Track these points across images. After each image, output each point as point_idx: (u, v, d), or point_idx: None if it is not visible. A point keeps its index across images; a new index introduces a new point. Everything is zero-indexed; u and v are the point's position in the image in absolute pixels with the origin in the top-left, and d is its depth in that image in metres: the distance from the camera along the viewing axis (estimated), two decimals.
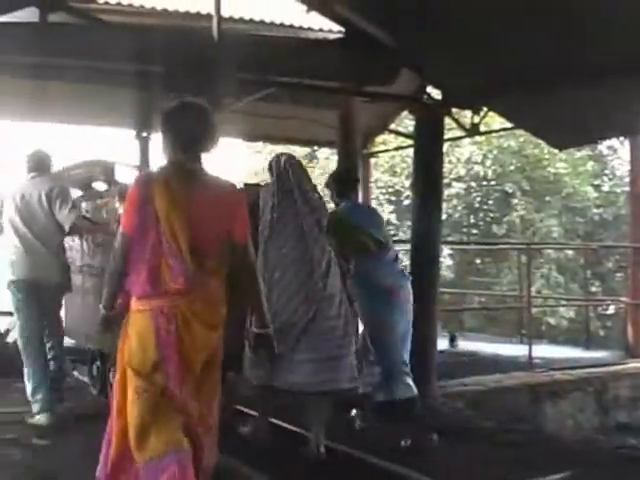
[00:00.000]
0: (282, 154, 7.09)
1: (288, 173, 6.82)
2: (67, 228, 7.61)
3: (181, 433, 4.43)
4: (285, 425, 7.43)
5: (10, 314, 8.50)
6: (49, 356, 7.74)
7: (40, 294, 7.58)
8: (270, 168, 6.99)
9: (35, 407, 7.40)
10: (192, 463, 4.40)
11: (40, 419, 7.35)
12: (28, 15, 7.33)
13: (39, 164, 7.88)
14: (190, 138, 4.60)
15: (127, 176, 10.00)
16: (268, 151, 26.45)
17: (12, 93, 11.18)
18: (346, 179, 7.92)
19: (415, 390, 7.37)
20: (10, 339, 9.76)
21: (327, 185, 7.93)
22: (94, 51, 7.74)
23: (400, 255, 8.12)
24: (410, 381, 7.36)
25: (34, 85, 10.55)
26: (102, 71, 8.51)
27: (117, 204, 8.21)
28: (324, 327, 6.51)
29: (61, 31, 7.47)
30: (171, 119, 4.66)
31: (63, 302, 8.12)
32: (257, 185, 7.55)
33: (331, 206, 7.78)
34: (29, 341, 7.54)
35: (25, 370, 7.51)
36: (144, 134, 12.59)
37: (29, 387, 7.44)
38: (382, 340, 7.32)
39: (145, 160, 12.07)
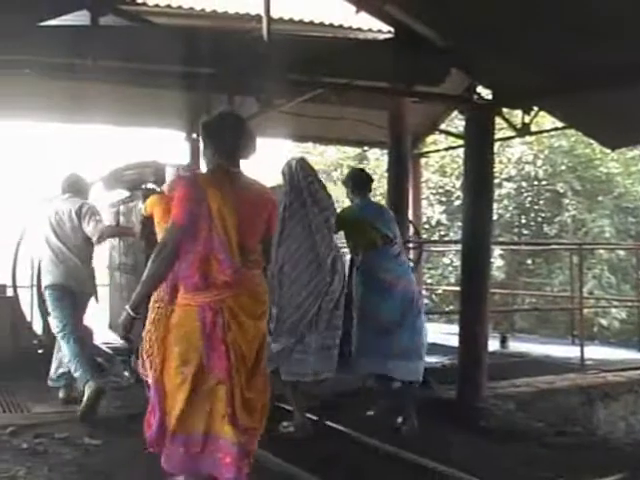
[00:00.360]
0: (294, 158, 7.77)
1: (299, 175, 7.51)
2: (95, 240, 8.40)
3: (224, 422, 4.78)
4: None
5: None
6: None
7: (71, 298, 8.35)
8: (283, 171, 7.66)
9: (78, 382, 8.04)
10: (233, 451, 4.76)
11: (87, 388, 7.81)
12: (79, 18, 7.38)
13: (72, 186, 8.75)
14: (231, 146, 5.06)
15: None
16: (318, 152, 26.47)
17: (63, 96, 11.30)
18: (360, 178, 8.47)
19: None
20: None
21: (344, 183, 8.68)
22: (145, 53, 7.78)
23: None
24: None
25: (85, 88, 10.66)
26: (153, 73, 8.56)
27: (140, 205, 8.76)
28: (326, 320, 7.27)
29: (112, 34, 7.51)
30: (213, 129, 5.16)
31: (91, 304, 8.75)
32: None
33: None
34: (69, 335, 8.15)
35: (69, 363, 8.10)
36: (194, 135, 12.65)
37: (73, 368, 8.04)
38: (361, 322, 7.90)
39: (195, 161, 12.11)
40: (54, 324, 8.39)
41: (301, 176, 7.51)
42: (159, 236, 7.51)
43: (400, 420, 7.78)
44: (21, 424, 7.41)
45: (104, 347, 10.69)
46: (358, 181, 8.44)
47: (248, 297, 4.91)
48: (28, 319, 10.54)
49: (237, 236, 4.84)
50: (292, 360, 7.18)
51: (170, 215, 5.00)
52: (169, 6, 9.16)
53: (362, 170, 9.20)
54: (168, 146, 15.73)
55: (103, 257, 11.16)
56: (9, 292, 10.36)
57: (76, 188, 8.77)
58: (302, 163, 7.68)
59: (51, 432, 7.10)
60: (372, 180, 8.67)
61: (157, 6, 9.04)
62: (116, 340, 10.10)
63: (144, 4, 8.85)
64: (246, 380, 4.85)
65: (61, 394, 8.37)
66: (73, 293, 8.36)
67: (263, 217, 5.13)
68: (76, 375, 7.99)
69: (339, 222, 7.78)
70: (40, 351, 9.99)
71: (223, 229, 4.81)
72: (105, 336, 10.80)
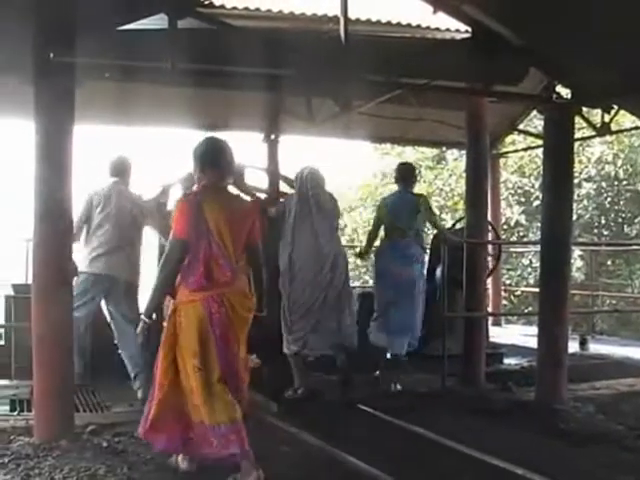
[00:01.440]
0: (306, 168, 9.13)
1: (307, 185, 9.01)
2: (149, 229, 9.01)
3: (235, 406, 5.85)
4: None
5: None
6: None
7: (110, 289, 8.61)
8: (295, 178, 9.20)
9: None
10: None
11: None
12: (157, 22, 7.47)
13: (120, 169, 9.03)
14: (219, 166, 6.08)
15: (256, 179, 10.26)
16: (396, 153, 26.44)
17: (142, 99, 11.43)
18: (399, 172, 10.21)
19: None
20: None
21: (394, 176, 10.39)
22: (223, 56, 7.85)
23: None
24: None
25: (163, 91, 10.77)
26: (231, 75, 8.62)
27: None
28: (330, 307, 8.90)
29: (191, 36, 7.59)
30: (203, 152, 6.13)
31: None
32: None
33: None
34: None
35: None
36: (272, 137, 12.69)
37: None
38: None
39: (274, 162, 12.16)
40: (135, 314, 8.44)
41: (309, 186, 9.00)
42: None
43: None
44: (101, 423, 7.53)
45: None
46: (398, 174, 10.17)
47: (240, 293, 5.95)
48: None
49: (232, 244, 5.88)
50: (307, 339, 8.90)
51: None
52: (247, 8, 9.19)
53: (404, 164, 10.89)
54: (246, 148, 15.81)
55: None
56: None
57: (124, 171, 9.07)
58: (312, 174, 9.10)
59: (130, 431, 7.16)
60: (412, 173, 10.29)
61: (235, 8, 9.07)
62: None
63: (222, 7, 8.89)
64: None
65: (139, 394, 8.41)
66: (114, 284, 8.59)
67: (247, 225, 6.06)
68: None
69: (375, 215, 10.29)
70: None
71: (220, 238, 5.83)
72: None
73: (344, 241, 21.50)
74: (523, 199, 23.13)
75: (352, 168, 26.30)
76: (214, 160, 6.07)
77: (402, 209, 9.72)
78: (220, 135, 6.51)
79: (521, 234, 22.74)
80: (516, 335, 14.20)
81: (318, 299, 8.83)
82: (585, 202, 22.01)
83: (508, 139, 17.62)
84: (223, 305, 5.81)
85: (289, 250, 8.88)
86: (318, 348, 9.02)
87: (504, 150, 16.96)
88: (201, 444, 5.89)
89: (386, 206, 10.00)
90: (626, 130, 16.04)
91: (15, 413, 7.93)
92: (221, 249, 5.83)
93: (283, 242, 9.00)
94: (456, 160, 24.63)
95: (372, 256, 10.53)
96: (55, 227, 7.06)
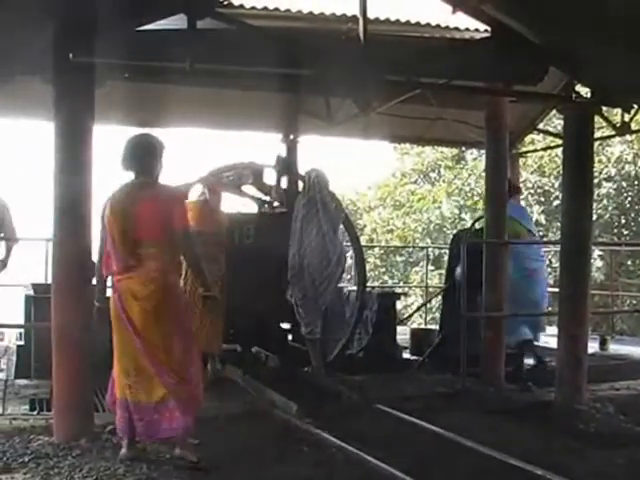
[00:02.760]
0: (313, 170, 10.00)
1: (315, 189, 9.89)
2: None
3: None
4: None
5: None
6: None
7: None
8: (304, 180, 10.10)
9: None
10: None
11: None
12: (176, 22, 7.47)
13: None
14: (141, 162, 6.47)
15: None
16: (415, 153, 26.44)
17: (161, 100, 11.44)
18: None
19: None
20: None
21: None
22: (242, 56, 7.85)
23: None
24: None
25: (183, 91, 10.78)
26: (250, 75, 8.62)
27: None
28: (334, 298, 10.27)
29: (209, 37, 7.58)
30: (126, 151, 6.49)
31: None
32: None
33: None
34: None
35: None
36: (291, 137, 12.69)
37: None
38: None
39: (293, 162, 12.17)
40: None
41: (317, 189, 9.90)
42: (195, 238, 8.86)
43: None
44: None
45: None
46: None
47: (137, 282, 6.31)
48: None
49: (125, 235, 6.26)
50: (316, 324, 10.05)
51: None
52: (266, 8, 9.17)
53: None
54: (265, 148, 15.81)
55: None
56: (109, 292, 10.46)
57: None
58: (319, 177, 9.99)
59: None
60: (515, 187, 11.33)
61: (254, 8, 9.07)
62: None
63: (241, 6, 8.88)
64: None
65: None
66: None
67: (164, 214, 6.33)
68: None
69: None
70: None
71: (111, 230, 6.32)
72: None
73: (363, 241, 21.53)
74: (543, 199, 23.08)
75: (371, 168, 26.30)
76: (131, 156, 6.48)
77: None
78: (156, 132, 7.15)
79: (541, 234, 22.66)
80: None
81: (325, 291, 9.95)
82: (605, 202, 21.94)
83: (528, 138, 17.58)
84: (116, 292, 6.43)
85: (297, 247, 9.90)
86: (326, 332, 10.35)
87: (524, 149, 16.90)
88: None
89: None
90: None
91: (35, 412, 7.95)
92: (112, 242, 6.36)
93: (292, 240, 9.97)
94: (475, 160, 24.62)
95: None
96: (75, 226, 7.09)
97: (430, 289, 18.63)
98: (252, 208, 11.23)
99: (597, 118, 9.26)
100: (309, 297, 9.97)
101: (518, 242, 10.49)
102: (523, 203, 20.51)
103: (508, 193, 10.40)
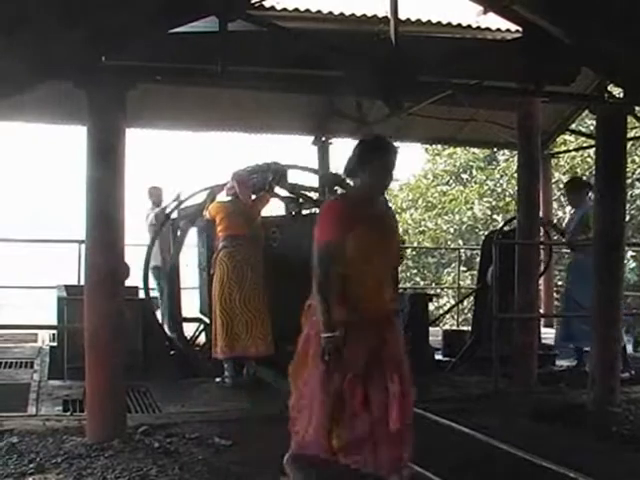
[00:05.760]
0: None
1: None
2: None
3: None
4: None
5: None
6: None
7: None
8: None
9: None
10: None
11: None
12: (208, 25, 7.50)
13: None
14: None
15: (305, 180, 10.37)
16: (447, 154, 26.37)
17: (192, 103, 11.50)
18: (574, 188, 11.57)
19: None
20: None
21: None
22: (273, 58, 7.87)
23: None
24: None
25: (213, 95, 10.82)
26: (281, 77, 8.64)
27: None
28: None
29: (241, 39, 7.60)
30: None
31: None
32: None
33: None
34: None
35: None
36: (322, 139, 12.71)
37: None
38: None
39: (325, 164, 12.18)
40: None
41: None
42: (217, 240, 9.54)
43: None
44: (153, 424, 7.57)
45: None
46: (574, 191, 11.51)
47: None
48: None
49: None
50: None
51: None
52: (297, 10, 9.20)
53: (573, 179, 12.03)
54: (295, 150, 15.82)
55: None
56: (141, 294, 10.51)
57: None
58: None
59: (182, 432, 7.24)
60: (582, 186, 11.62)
61: (285, 10, 9.10)
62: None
63: (272, 8, 8.91)
64: None
65: None
66: None
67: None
68: None
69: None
70: (171, 353, 10.16)
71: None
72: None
73: None
74: None
75: (403, 169, 26.26)
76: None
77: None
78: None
79: None
80: None
81: None
82: (638, 202, 21.79)
83: (559, 139, 17.51)
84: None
85: None
86: None
87: (556, 150, 16.85)
88: None
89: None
90: None
91: (68, 413, 7.97)
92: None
93: None
94: (507, 161, 24.51)
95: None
96: (108, 229, 7.12)
97: (462, 290, 18.61)
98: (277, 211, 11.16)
99: (630, 118, 9.21)
100: None
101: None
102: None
103: (586, 192, 11.20)
